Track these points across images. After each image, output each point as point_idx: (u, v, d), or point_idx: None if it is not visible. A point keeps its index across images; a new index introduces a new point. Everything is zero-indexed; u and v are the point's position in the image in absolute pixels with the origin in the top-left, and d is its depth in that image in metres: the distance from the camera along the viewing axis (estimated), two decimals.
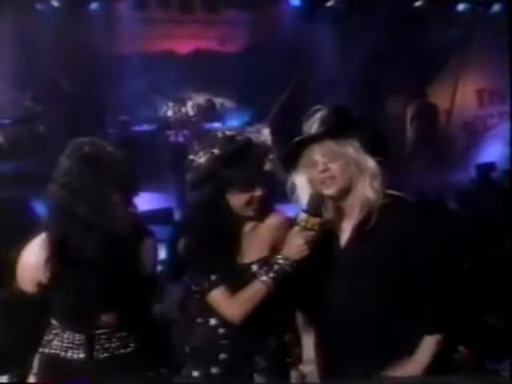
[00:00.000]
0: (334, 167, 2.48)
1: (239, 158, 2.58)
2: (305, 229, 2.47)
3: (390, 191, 2.53)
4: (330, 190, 2.51)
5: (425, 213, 2.62)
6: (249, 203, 2.60)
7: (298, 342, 2.71)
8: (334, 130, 2.48)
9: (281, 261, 2.52)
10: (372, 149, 2.49)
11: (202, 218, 2.62)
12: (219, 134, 2.67)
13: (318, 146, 2.50)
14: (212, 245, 2.58)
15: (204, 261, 2.58)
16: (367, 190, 2.48)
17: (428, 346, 2.47)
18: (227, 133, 2.67)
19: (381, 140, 2.55)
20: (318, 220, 2.47)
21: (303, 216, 2.48)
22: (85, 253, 2.47)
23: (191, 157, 2.65)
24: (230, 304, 2.57)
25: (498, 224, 5.40)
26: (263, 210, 2.65)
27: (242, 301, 2.55)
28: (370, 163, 2.49)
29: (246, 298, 2.55)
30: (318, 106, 2.57)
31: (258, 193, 2.59)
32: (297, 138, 2.56)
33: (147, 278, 2.64)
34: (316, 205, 2.48)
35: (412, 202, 2.60)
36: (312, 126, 2.53)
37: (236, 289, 2.56)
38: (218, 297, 2.57)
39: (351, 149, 2.48)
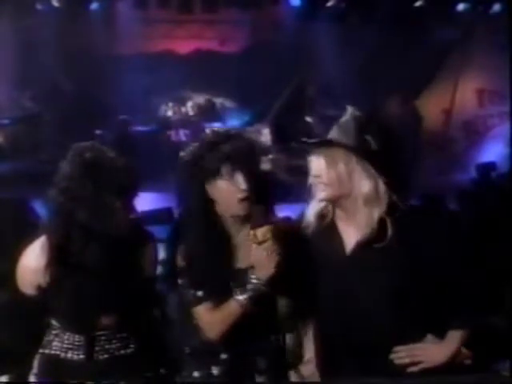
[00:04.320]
0: (326, 176, 2.48)
1: (220, 147, 2.56)
2: (260, 243, 2.47)
3: (397, 200, 2.51)
4: (321, 195, 2.52)
5: (432, 216, 2.62)
6: (235, 199, 2.54)
7: (298, 343, 2.71)
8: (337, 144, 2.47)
9: (254, 280, 2.52)
10: (380, 168, 2.46)
11: (192, 232, 2.61)
12: (207, 131, 2.69)
13: (319, 150, 2.50)
14: (202, 258, 2.58)
15: (193, 275, 2.58)
16: (360, 213, 2.48)
17: (455, 337, 2.49)
18: (214, 129, 2.70)
19: (391, 160, 2.53)
20: (265, 228, 2.47)
21: (251, 233, 2.48)
22: (85, 257, 2.47)
23: (181, 154, 2.65)
24: (207, 323, 2.57)
25: (498, 224, 5.39)
26: (256, 211, 2.55)
27: (217, 321, 2.55)
28: (364, 185, 2.47)
29: (220, 318, 2.55)
30: (348, 106, 2.56)
31: (242, 186, 2.53)
32: (303, 140, 2.56)
33: (147, 280, 2.64)
34: (256, 216, 2.49)
35: (420, 210, 2.60)
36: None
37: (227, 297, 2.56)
38: (200, 313, 2.58)
39: (343, 164, 2.46)
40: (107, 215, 2.47)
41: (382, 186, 2.47)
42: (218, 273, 2.58)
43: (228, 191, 2.55)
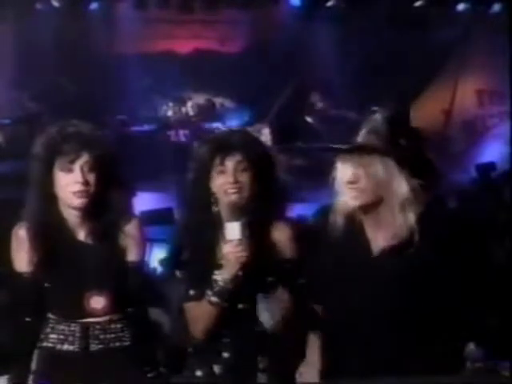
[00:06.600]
0: (363, 182, 2.44)
1: (214, 140, 2.65)
2: (230, 240, 2.48)
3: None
4: (355, 202, 2.47)
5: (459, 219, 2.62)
6: (223, 191, 2.57)
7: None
8: (369, 147, 2.44)
9: (219, 278, 2.52)
10: (414, 170, 2.44)
11: (191, 227, 2.62)
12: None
13: (350, 156, 2.47)
14: (197, 258, 2.58)
15: (190, 273, 2.59)
16: (395, 218, 2.44)
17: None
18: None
19: (425, 162, 2.51)
20: (237, 224, 2.46)
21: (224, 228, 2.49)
22: (64, 231, 2.58)
23: None
24: (191, 320, 2.61)
25: (498, 224, 5.39)
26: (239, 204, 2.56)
27: (195, 322, 2.59)
28: (402, 188, 2.43)
29: (197, 319, 2.58)
30: (376, 108, 2.53)
31: (230, 178, 2.55)
32: (331, 146, 2.55)
33: (135, 262, 2.64)
34: (233, 209, 2.50)
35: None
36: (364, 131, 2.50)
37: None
38: (186, 309, 2.62)
39: (382, 169, 2.43)
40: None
41: (418, 190, 2.44)
42: (211, 272, 2.58)
43: (218, 182, 2.57)
